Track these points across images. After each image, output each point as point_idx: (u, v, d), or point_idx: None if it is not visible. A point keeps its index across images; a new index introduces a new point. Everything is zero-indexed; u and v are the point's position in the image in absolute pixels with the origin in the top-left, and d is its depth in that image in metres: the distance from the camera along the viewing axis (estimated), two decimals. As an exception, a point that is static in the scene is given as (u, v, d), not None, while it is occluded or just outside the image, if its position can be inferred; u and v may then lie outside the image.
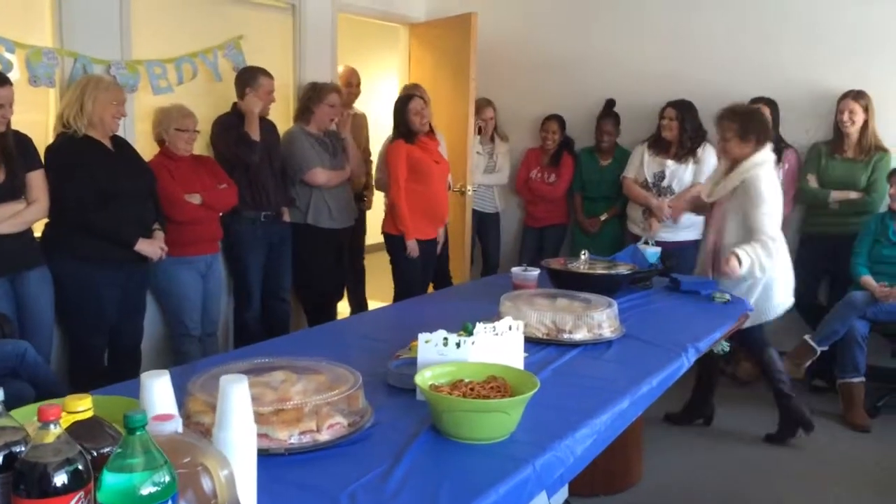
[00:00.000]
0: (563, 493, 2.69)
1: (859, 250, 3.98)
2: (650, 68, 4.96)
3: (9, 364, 2.66)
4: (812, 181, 4.30)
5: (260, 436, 1.38)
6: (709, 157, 4.52)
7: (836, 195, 4.21)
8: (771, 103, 4.38)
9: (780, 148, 4.41)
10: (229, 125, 3.99)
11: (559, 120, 5.16)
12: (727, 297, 3.16)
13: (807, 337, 3.88)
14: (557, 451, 1.60)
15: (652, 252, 3.55)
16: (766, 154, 3.40)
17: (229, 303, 4.28)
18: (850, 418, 3.81)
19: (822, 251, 4.32)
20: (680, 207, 4.02)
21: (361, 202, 5.00)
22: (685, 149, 4.54)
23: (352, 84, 5.09)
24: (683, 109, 4.54)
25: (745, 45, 4.66)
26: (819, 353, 3.83)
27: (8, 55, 3.39)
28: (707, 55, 4.78)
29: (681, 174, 4.53)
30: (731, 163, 3.46)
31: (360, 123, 5.13)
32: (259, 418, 1.42)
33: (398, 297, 4.41)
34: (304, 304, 4.64)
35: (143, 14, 3.91)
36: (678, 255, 4.28)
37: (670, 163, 4.56)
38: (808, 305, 4.41)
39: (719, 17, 4.74)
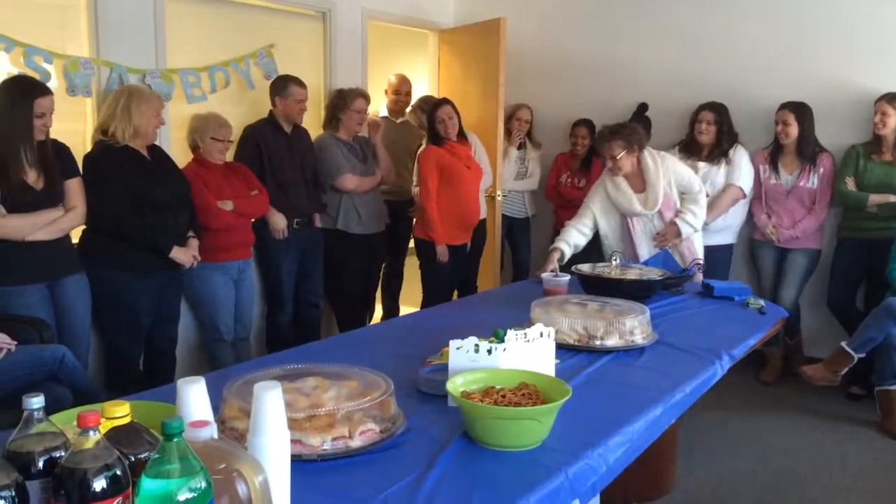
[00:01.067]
0: (595, 500, 2.67)
1: (897, 255, 3.90)
2: (680, 72, 4.92)
3: (47, 368, 2.71)
4: (850, 184, 4.22)
5: (293, 441, 1.40)
6: (741, 158, 4.47)
7: (874, 198, 4.13)
8: (801, 107, 4.32)
9: (814, 151, 4.36)
10: (250, 150, 4.05)
11: (589, 125, 5.13)
12: (761, 303, 3.12)
13: (843, 343, 3.80)
14: (590, 459, 1.60)
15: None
16: (651, 149, 3.81)
17: (262, 308, 4.32)
18: (888, 426, 3.73)
19: (859, 255, 4.24)
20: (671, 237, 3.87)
21: (410, 208, 5.00)
22: (720, 150, 4.50)
23: (400, 93, 5.14)
24: (720, 112, 4.51)
25: (779, 47, 4.60)
26: (856, 359, 3.76)
27: (46, 65, 3.47)
28: (738, 58, 4.72)
29: (713, 176, 4.48)
30: (629, 177, 3.77)
31: (414, 130, 5.16)
32: (292, 424, 1.43)
33: (426, 302, 4.42)
34: (335, 308, 4.67)
35: (176, 24, 3.98)
36: (711, 260, 4.24)
37: (702, 165, 4.51)
38: (845, 311, 4.34)
39: (752, 20, 4.68)
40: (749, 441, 3.65)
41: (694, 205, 3.79)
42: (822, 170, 4.34)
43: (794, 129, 4.32)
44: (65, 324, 3.16)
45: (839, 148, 4.38)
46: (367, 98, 4.51)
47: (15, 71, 3.37)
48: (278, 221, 4.06)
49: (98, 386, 3.23)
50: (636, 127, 3.88)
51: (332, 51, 4.82)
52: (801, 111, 4.32)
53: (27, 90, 2.96)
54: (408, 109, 5.17)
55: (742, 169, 4.45)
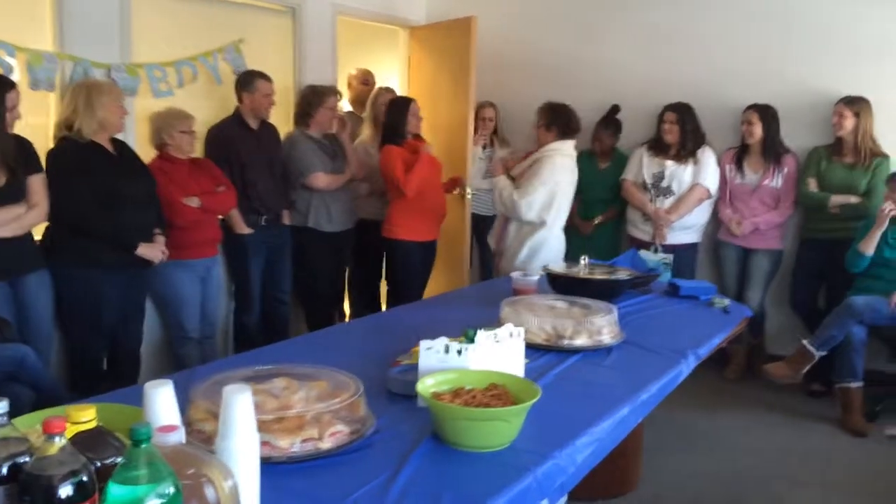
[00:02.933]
0: (563, 499, 2.69)
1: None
2: (650, 72, 4.97)
3: (8, 368, 2.66)
4: (812, 185, 4.30)
5: (262, 444, 1.38)
6: (708, 158, 4.54)
7: (835, 199, 4.21)
8: (766, 109, 4.39)
9: (779, 152, 4.43)
10: (217, 150, 4.02)
11: (557, 123, 5.16)
12: (726, 302, 3.17)
13: (805, 342, 3.88)
14: (558, 459, 1.61)
15: (657, 258, 3.59)
16: (562, 145, 4.04)
17: (228, 305, 4.28)
18: (848, 423, 3.81)
19: (821, 255, 4.33)
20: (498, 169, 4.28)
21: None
22: (686, 150, 4.56)
23: (369, 83, 5.13)
24: (683, 112, 4.56)
25: (747, 49, 4.66)
26: (817, 357, 3.83)
27: (9, 59, 3.39)
28: (707, 59, 4.78)
29: (680, 174, 4.54)
30: (538, 147, 4.15)
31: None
32: (261, 426, 1.42)
33: (396, 299, 4.39)
34: (304, 307, 4.64)
35: (143, 17, 3.91)
36: (677, 258, 4.30)
37: (670, 163, 4.57)
38: (807, 309, 4.43)
39: (720, 22, 4.74)
40: (712, 438, 3.71)
41: (511, 190, 4.01)
42: (786, 169, 4.41)
43: (758, 129, 4.40)
44: (27, 321, 3.11)
45: (803, 149, 4.46)
46: (339, 95, 4.49)
47: (-25, 63, 3.30)
48: (242, 228, 4.02)
49: (61, 385, 3.18)
50: (567, 116, 4.08)
51: (301, 47, 4.78)
52: (765, 112, 4.40)
53: None
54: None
55: (708, 169, 4.52)
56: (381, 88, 4.94)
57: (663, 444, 3.57)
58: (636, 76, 5.02)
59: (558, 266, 3.37)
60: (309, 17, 4.79)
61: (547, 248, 4.01)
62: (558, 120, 4.04)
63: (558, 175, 3.99)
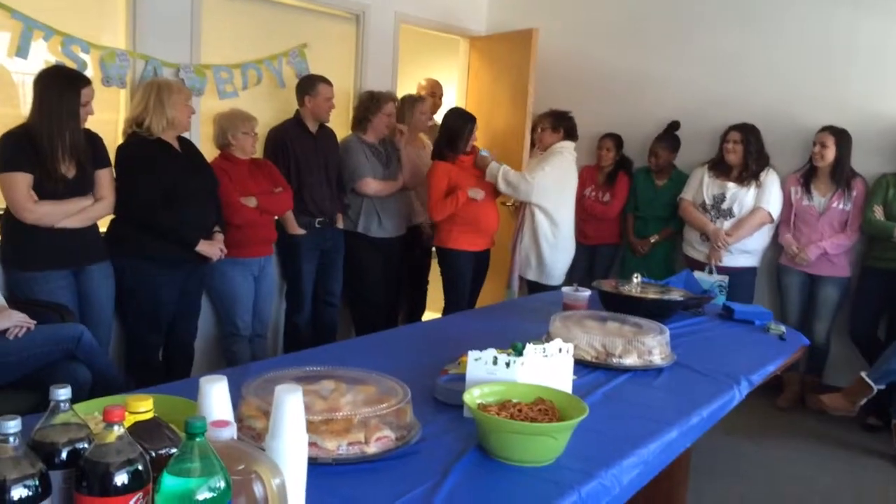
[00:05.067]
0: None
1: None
2: (712, 91, 4.89)
3: (66, 346, 2.72)
4: (878, 213, 4.17)
5: (309, 444, 1.40)
6: (772, 181, 4.43)
7: (900, 229, 4.08)
8: (842, 133, 4.27)
9: (848, 176, 4.31)
10: (277, 151, 4.08)
11: (615, 138, 5.11)
12: (782, 329, 3.09)
13: (863, 374, 3.75)
14: (604, 479, 1.59)
15: (711, 280, 3.52)
16: (568, 145, 4.45)
17: (280, 305, 4.35)
18: (905, 460, 3.69)
19: (883, 285, 4.19)
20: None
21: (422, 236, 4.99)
22: (749, 172, 4.45)
23: (436, 95, 5.15)
24: (747, 132, 4.46)
25: (813, 72, 4.56)
26: (875, 391, 3.71)
27: (83, 55, 3.52)
28: (773, 82, 4.68)
29: (742, 197, 4.44)
30: (544, 150, 4.49)
31: None
32: (308, 427, 1.43)
33: (447, 309, 4.42)
34: (353, 310, 4.68)
35: (212, 20, 4.02)
36: (733, 282, 4.21)
37: (731, 185, 4.48)
38: (866, 340, 4.30)
39: (786, 44, 4.65)
40: (761, 467, 3.62)
41: (516, 172, 4.33)
42: (855, 193, 4.28)
43: (830, 153, 4.27)
44: (88, 311, 3.21)
45: (869, 176, 4.34)
46: (397, 102, 4.53)
47: (52, 59, 3.42)
48: (295, 229, 4.09)
49: (115, 365, 3.25)
50: (571, 120, 4.48)
51: (363, 53, 4.84)
52: (841, 136, 4.27)
53: (74, 79, 3.02)
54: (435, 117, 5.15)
55: (772, 193, 4.41)
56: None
57: (710, 469, 3.50)
58: (700, 95, 4.95)
59: (610, 283, 3.33)
60: (372, 24, 4.85)
61: (556, 246, 4.41)
62: (564, 122, 4.43)
63: (566, 168, 4.39)
